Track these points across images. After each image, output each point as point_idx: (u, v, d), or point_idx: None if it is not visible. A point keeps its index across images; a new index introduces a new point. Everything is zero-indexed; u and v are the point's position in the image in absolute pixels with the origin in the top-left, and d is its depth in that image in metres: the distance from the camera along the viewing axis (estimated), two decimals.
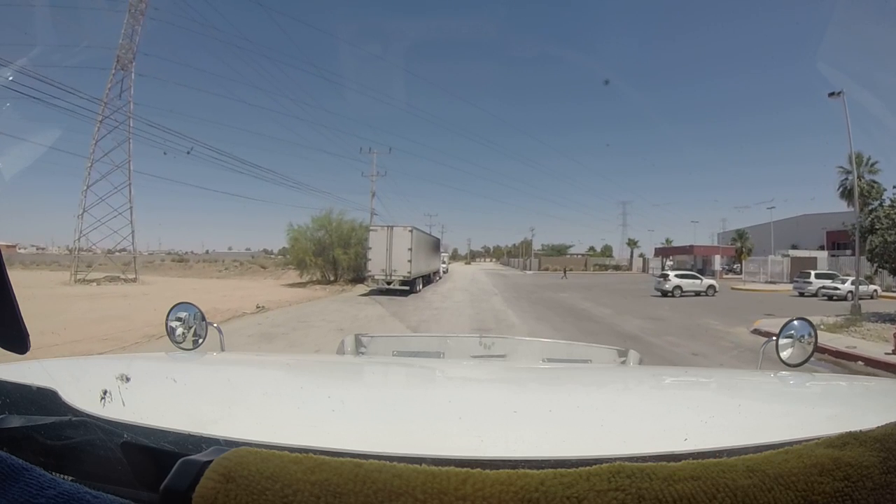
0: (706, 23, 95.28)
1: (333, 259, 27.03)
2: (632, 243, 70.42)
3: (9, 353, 0.56)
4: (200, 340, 1.50)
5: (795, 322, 1.49)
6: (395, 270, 20.09)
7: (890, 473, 0.41)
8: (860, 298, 14.20)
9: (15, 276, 0.56)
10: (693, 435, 0.68)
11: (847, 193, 30.76)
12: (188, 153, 22.67)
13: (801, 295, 22.57)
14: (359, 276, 25.42)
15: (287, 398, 1.00)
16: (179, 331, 1.49)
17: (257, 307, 14.27)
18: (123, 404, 0.72)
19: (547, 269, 58.86)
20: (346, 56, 58.58)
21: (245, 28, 74.04)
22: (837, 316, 12.46)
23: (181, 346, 1.47)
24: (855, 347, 8.51)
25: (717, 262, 42.73)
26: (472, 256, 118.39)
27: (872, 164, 31.36)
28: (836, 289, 21.29)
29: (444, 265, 37.89)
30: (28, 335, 0.56)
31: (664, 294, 22.12)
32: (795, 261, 33.15)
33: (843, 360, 7.98)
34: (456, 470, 0.40)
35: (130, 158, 26.43)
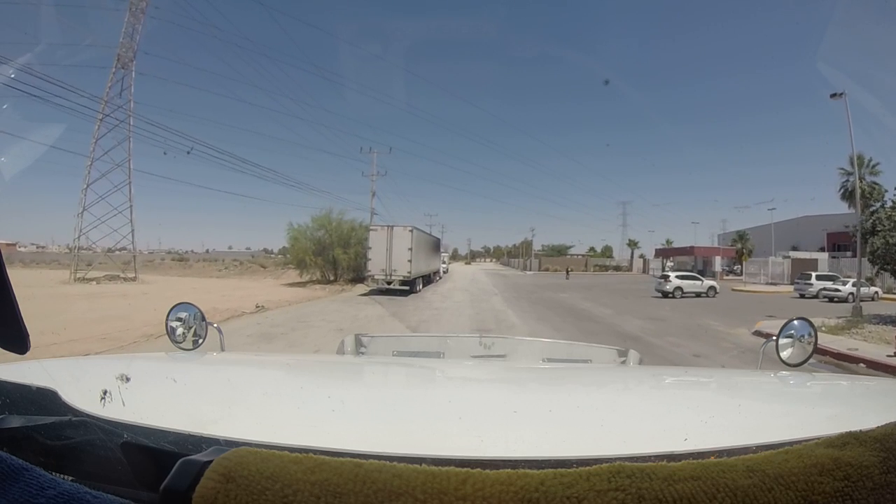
0: (706, 23, 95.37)
1: (333, 259, 27.04)
2: (632, 244, 70.39)
3: (9, 353, 0.55)
4: (200, 340, 1.50)
5: (795, 322, 1.48)
6: (395, 270, 20.09)
7: (890, 473, 0.41)
8: (861, 300, 14.19)
9: (15, 275, 0.56)
10: (693, 435, 0.68)
11: (848, 195, 30.67)
12: (188, 153, 22.74)
13: (802, 296, 22.50)
14: (359, 276, 25.42)
15: (287, 398, 1.00)
16: (179, 331, 1.49)
17: (257, 307, 14.27)
18: (123, 404, 0.72)
19: (547, 270, 58.81)
20: (346, 56, 58.63)
21: (245, 27, 74.01)
22: (838, 318, 12.39)
23: (181, 346, 1.47)
24: (857, 350, 8.49)
25: (718, 264, 42.64)
26: (473, 256, 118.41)
27: (874, 166, 31.36)
28: (837, 290, 21.24)
29: (444, 265, 37.88)
30: (28, 335, 0.56)
31: (665, 295, 22.07)
32: (796, 262, 33.12)
33: (844, 363, 7.96)
34: (456, 470, 0.40)
35: (130, 157, 26.45)
